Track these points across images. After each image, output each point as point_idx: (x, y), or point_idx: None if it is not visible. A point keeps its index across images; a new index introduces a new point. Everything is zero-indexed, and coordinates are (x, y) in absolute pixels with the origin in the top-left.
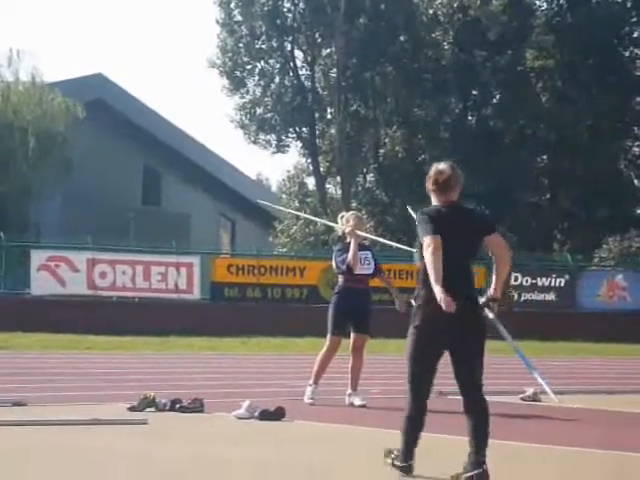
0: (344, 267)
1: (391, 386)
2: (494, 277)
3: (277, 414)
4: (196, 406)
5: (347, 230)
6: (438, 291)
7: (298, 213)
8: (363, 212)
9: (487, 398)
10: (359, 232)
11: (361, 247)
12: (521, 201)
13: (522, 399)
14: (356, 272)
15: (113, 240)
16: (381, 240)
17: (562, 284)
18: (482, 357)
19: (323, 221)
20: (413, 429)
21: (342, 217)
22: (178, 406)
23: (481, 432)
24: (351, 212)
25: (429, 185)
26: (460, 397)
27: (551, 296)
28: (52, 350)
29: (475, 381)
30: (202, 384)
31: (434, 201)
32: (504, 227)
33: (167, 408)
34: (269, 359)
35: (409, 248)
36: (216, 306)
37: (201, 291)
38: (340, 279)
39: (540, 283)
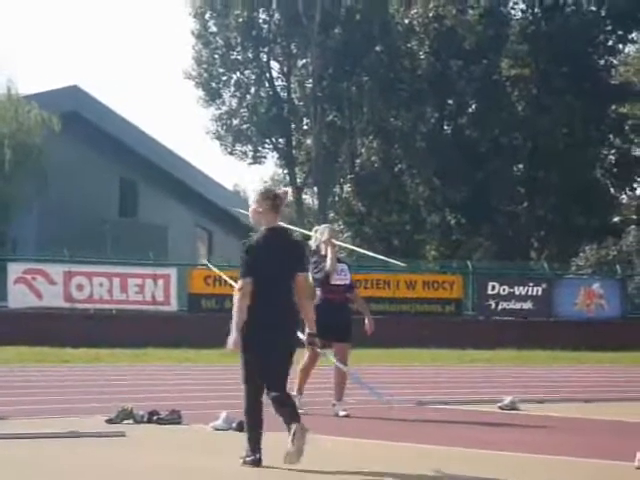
0: (321, 276)
1: (368, 396)
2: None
3: None
4: (174, 418)
5: (323, 239)
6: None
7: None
8: (340, 222)
9: (465, 407)
10: (335, 241)
11: (337, 260)
12: (498, 210)
13: (500, 408)
14: (333, 282)
15: (90, 252)
16: (357, 249)
17: (539, 292)
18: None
19: (300, 230)
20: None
21: (316, 230)
22: (156, 418)
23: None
24: (325, 225)
25: (265, 205)
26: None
27: (528, 305)
28: (29, 363)
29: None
30: (180, 396)
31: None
32: (481, 237)
33: (145, 420)
34: None
35: (385, 258)
36: (193, 317)
37: (178, 302)
38: (318, 292)
39: (517, 292)
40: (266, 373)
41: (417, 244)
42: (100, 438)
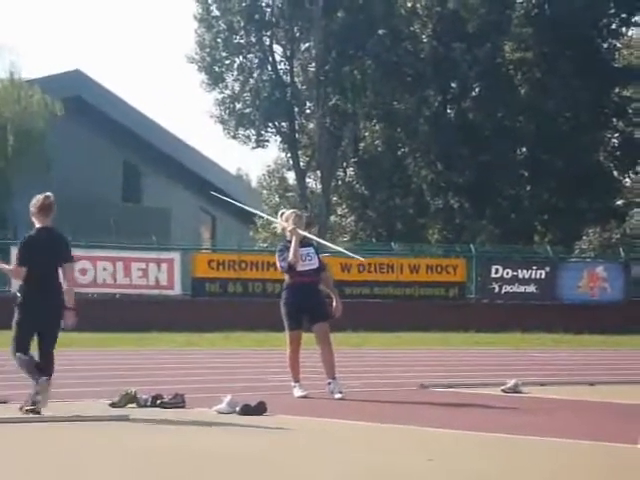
0: (286, 266)
1: (372, 379)
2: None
3: (258, 409)
4: (177, 401)
5: (288, 229)
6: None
7: (242, 205)
8: (343, 206)
9: (469, 390)
10: (299, 231)
11: (303, 244)
12: (501, 193)
13: (503, 391)
14: (299, 269)
15: (93, 237)
16: (320, 241)
17: (543, 276)
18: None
19: (265, 215)
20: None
21: (282, 214)
22: (159, 402)
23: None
24: (291, 210)
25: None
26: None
27: (532, 288)
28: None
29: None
30: (183, 379)
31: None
32: (485, 220)
33: (148, 404)
34: (251, 354)
35: (345, 251)
36: (197, 301)
37: (182, 287)
38: (286, 277)
39: (521, 275)
40: (39, 340)
41: (420, 228)
42: (104, 422)
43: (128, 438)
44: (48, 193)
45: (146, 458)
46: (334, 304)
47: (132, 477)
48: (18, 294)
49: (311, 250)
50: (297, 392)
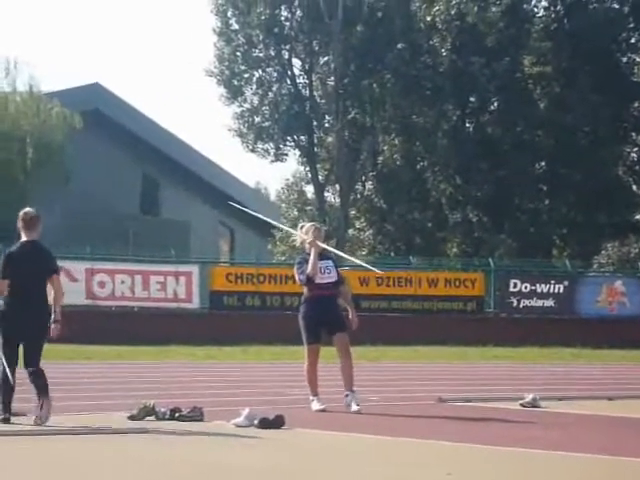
0: (304, 278)
1: (390, 393)
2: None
3: (277, 422)
4: (196, 414)
5: (307, 241)
6: None
7: (261, 216)
8: (362, 220)
9: (487, 405)
10: (319, 243)
11: (322, 257)
12: (520, 207)
13: (521, 405)
14: (317, 282)
15: (112, 249)
16: (339, 253)
17: (561, 290)
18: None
19: (284, 227)
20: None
21: (302, 227)
22: (178, 415)
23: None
24: (311, 223)
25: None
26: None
27: (550, 302)
28: (51, 360)
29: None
30: (201, 393)
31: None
32: (503, 234)
33: (167, 417)
34: (269, 367)
35: (364, 264)
36: (215, 315)
37: (200, 300)
38: (305, 289)
39: (539, 289)
40: (24, 352)
41: (439, 242)
42: (122, 435)
43: (146, 451)
44: (28, 209)
45: (164, 471)
46: (350, 317)
47: None
48: (1, 306)
49: (330, 263)
50: (315, 406)
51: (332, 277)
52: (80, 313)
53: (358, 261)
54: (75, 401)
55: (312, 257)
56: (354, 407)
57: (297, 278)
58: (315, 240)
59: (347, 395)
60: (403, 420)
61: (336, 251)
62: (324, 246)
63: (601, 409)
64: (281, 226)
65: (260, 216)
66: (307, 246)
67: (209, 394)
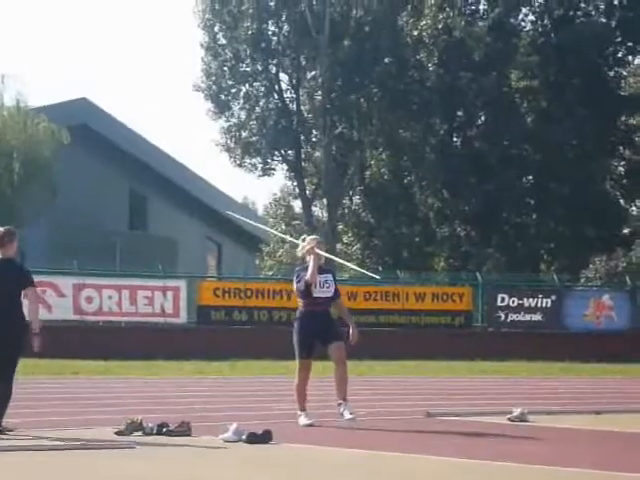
0: (302, 285)
1: (377, 407)
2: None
3: (264, 437)
4: (183, 430)
5: (306, 248)
6: None
7: (265, 227)
8: (349, 234)
9: (475, 419)
10: (319, 251)
11: (322, 270)
12: (508, 221)
13: (509, 419)
14: (316, 295)
15: (99, 265)
16: (337, 259)
17: (549, 304)
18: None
19: (290, 239)
20: None
21: (304, 239)
22: (165, 430)
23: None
24: (312, 236)
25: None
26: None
27: (538, 316)
28: (38, 375)
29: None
30: (189, 407)
31: None
32: (491, 248)
33: (154, 432)
34: (256, 382)
35: (361, 269)
36: (203, 329)
37: (188, 315)
38: (300, 304)
39: (527, 304)
40: None
41: (426, 256)
42: (110, 450)
43: (134, 466)
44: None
45: None
46: (351, 331)
47: None
48: None
49: (330, 277)
50: (302, 421)
51: (329, 292)
52: (68, 328)
53: (355, 267)
54: (62, 416)
55: (311, 264)
56: (347, 416)
57: (295, 287)
58: (314, 248)
59: (340, 404)
60: (391, 435)
61: (334, 258)
62: (324, 254)
63: (589, 423)
64: (279, 234)
65: (257, 224)
66: (308, 257)
67: (197, 409)
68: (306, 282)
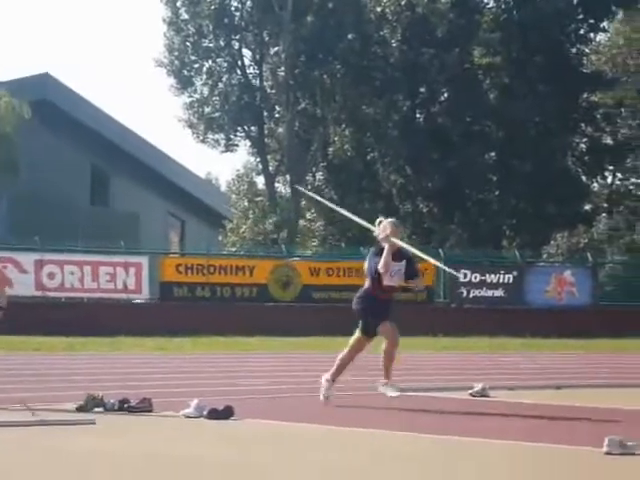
0: (373, 273)
1: (340, 383)
2: None
3: (226, 413)
4: (145, 406)
5: (381, 237)
6: None
7: (336, 207)
8: (312, 210)
9: (436, 394)
10: (395, 240)
11: (396, 256)
12: (470, 198)
13: (471, 394)
14: (385, 283)
15: (61, 241)
16: (417, 252)
17: (510, 280)
18: None
19: (362, 222)
20: None
21: (379, 223)
22: (126, 406)
23: None
24: (389, 220)
25: None
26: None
27: (500, 292)
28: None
29: None
30: (151, 384)
31: None
32: (454, 225)
33: (115, 408)
34: (219, 358)
35: (443, 266)
36: (165, 306)
37: (150, 291)
38: (367, 284)
39: (489, 279)
40: None
41: None
42: (70, 426)
43: (94, 442)
44: None
45: (112, 463)
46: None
47: None
48: None
49: (402, 265)
50: (323, 393)
51: (395, 281)
52: (29, 304)
53: (433, 260)
54: (22, 392)
55: (385, 254)
56: (391, 394)
57: (366, 267)
58: (390, 237)
59: (386, 384)
60: (354, 410)
61: (411, 248)
62: (400, 243)
63: (549, 398)
64: (355, 218)
65: (333, 206)
66: (383, 243)
67: (158, 385)
68: (376, 270)
